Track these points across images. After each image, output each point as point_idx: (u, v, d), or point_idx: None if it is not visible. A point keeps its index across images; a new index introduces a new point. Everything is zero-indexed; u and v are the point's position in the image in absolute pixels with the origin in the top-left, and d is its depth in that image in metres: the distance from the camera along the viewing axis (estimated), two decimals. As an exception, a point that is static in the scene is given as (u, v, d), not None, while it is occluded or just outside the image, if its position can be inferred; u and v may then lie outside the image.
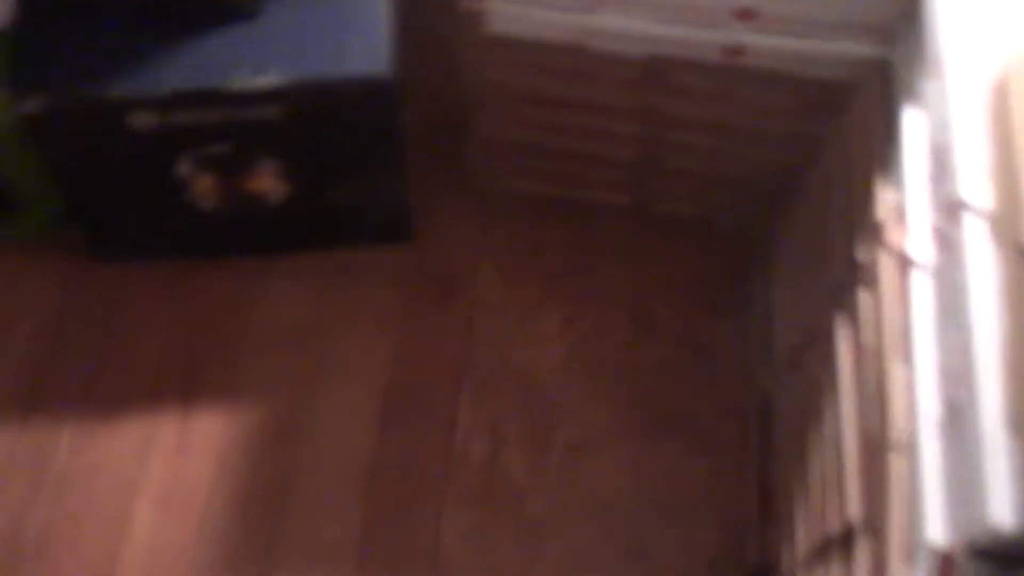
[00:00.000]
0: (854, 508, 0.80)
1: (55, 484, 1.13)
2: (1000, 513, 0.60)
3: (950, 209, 0.73)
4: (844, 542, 0.81)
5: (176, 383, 1.18)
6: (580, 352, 1.19)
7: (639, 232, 1.26)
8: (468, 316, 1.22)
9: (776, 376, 1.10)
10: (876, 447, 0.77)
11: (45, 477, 1.13)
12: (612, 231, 1.26)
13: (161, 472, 1.13)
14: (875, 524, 0.75)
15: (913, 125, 0.83)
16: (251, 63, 0.99)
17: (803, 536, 0.92)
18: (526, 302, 1.22)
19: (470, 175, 1.25)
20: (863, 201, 0.90)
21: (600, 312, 1.21)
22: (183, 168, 1.09)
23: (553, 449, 1.14)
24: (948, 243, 0.74)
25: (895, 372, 0.77)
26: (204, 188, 1.12)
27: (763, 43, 0.95)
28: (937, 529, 0.67)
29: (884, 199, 0.84)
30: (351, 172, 1.13)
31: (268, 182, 1.13)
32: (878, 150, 0.87)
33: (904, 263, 0.79)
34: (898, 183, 0.83)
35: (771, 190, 1.15)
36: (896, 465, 0.74)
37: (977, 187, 0.71)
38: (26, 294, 1.23)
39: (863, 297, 0.85)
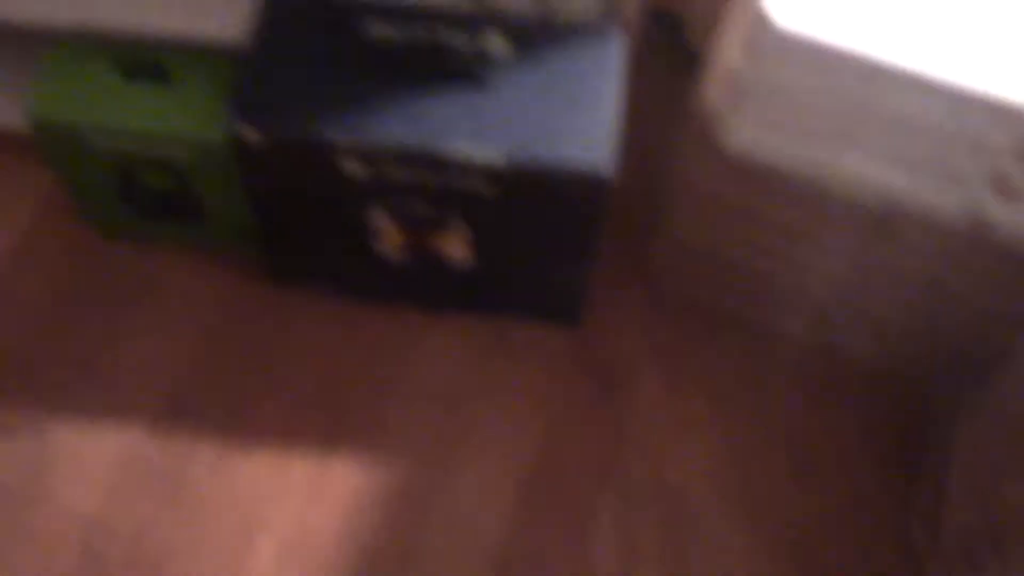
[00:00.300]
0: None
1: (186, 502, 1.12)
2: None
3: None
4: None
5: (320, 423, 1.17)
6: (734, 480, 1.14)
7: (814, 368, 1.20)
8: (623, 418, 1.18)
9: (943, 566, 1.03)
10: None
11: (180, 493, 1.12)
12: (786, 361, 1.21)
13: (290, 514, 1.12)
14: None
15: None
16: (473, 133, 0.97)
17: None
18: (686, 415, 1.18)
19: (651, 275, 1.22)
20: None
21: (762, 442, 1.16)
22: (378, 218, 1.08)
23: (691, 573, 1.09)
24: None
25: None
26: (393, 240, 1.11)
27: (1014, 219, 0.89)
28: None
29: None
30: (541, 255, 1.10)
31: (456, 248, 1.11)
32: None
33: None
34: None
35: (967, 358, 1.09)
36: None
37: None
38: (192, 302, 1.23)
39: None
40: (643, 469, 1.15)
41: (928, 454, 1.13)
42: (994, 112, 0.79)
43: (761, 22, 0.82)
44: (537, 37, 1.04)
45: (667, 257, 1.18)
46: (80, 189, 1.20)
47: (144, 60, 1.10)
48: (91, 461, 1.14)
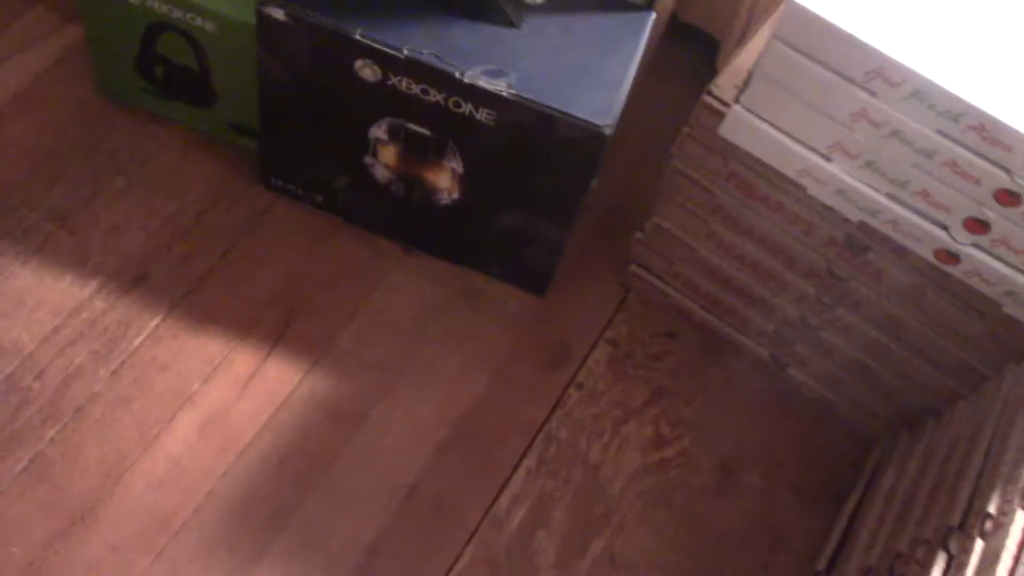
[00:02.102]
0: None
1: (121, 362, 1.12)
2: None
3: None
4: None
5: (271, 323, 1.17)
6: (655, 475, 1.15)
7: (761, 388, 1.21)
8: (565, 391, 1.18)
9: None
10: None
11: (116, 352, 1.13)
12: (736, 375, 1.22)
13: (217, 398, 1.12)
14: None
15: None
16: (493, 65, 1.00)
17: None
18: (626, 403, 1.18)
19: (626, 259, 1.23)
20: (1008, 465, 0.85)
21: (692, 448, 1.17)
22: (379, 131, 1.10)
23: (589, 553, 1.09)
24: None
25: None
26: (387, 158, 1.13)
27: (981, 260, 0.91)
28: None
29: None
30: (524, 204, 1.12)
31: (446, 180, 1.13)
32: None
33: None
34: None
35: (913, 402, 1.10)
36: None
37: None
38: (183, 181, 1.25)
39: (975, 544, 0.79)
40: (570, 441, 1.15)
41: (852, 493, 1.14)
42: (992, 138, 0.82)
43: (788, 2, 0.84)
44: (573, -3, 1.07)
45: (645, 249, 1.20)
46: (102, 46, 1.22)
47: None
48: (38, 304, 1.14)
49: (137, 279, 1.18)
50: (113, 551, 1.02)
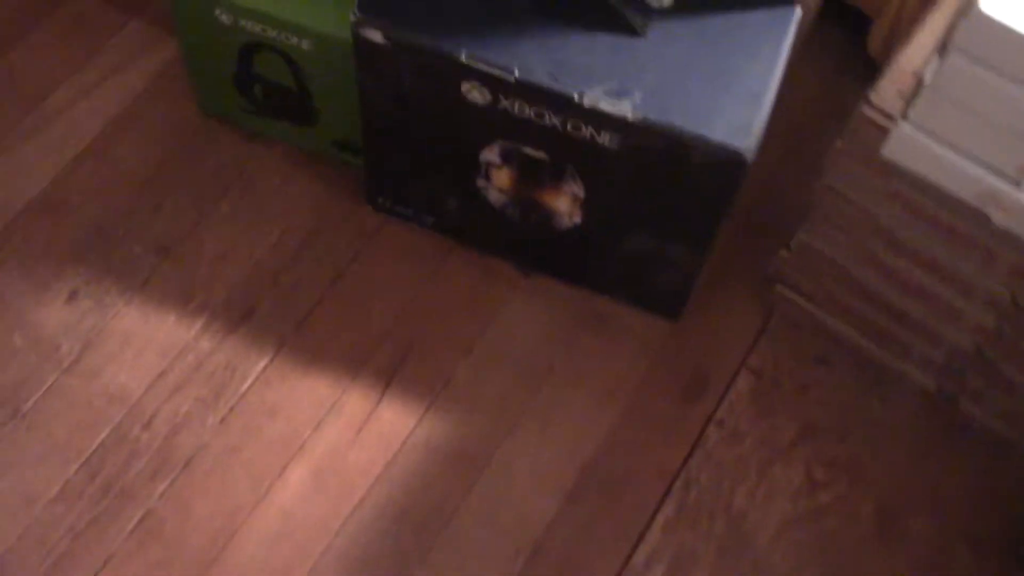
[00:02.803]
0: None
1: (230, 409, 1.06)
2: None
3: None
4: None
5: (384, 359, 1.10)
6: (809, 525, 1.03)
7: (929, 424, 1.08)
8: (703, 429, 1.08)
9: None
10: None
11: (223, 398, 1.07)
12: (899, 408, 1.08)
13: (330, 445, 1.05)
14: None
15: None
16: (614, 83, 0.88)
17: None
18: (773, 441, 1.07)
19: (769, 279, 1.11)
20: None
21: (849, 492, 1.04)
22: (491, 154, 1.00)
23: (735, 615, 0.99)
24: None
25: None
26: (501, 182, 1.03)
27: None
28: None
29: None
30: (655, 231, 1.01)
31: (565, 204, 1.02)
32: None
33: None
34: None
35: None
36: None
37: None
38: (288, 203, 1.18)
39: None
40: (712, 487, 1.04)
41: (1037, 548, 1.00)
42: None
43: (974, 11, 0.70)
44: (706, -5, 0.94)
45: (791, 267, 1.07)
46: (198, 65, 1.16)
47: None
48: (145, 345, 1.09)
49: (244, 314, 1.12)
50: (227, 617, 0.97)
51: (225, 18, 1.05)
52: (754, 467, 1.06)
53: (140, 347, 1.09)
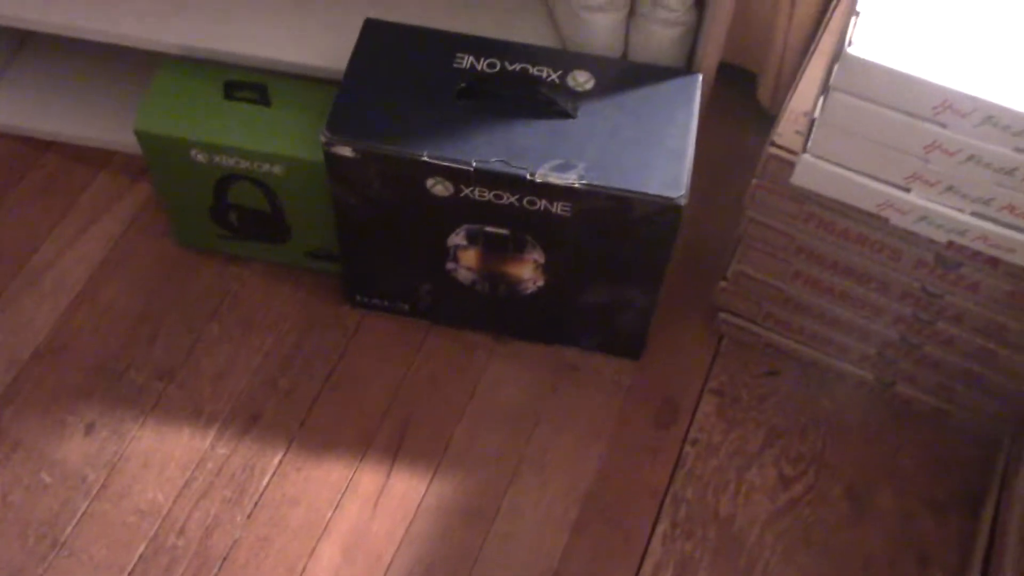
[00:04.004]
0: None
1: (254, 504, 1.16)
2: None
3: None
4: None
5: (387, 437, 1.20)
6: (789, 516, 1.16)
7: (875, 410, 1.22)
8: (681, 449, 1.20)
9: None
10: None
11: (247, 496, 1.16)
12: (846, 402, 1.23)
13: (353, 521, 1.15)
14: None
15: None
16: (559, 160, 1.03)
17: None
18: (744, 450, 1.20)
19: (714, 308, 1.25)
20: None
21: (818, 481, 1.18)
22: (457, 238, 1.13)
23: (741, 607, 1.11)
24: None
25: None
26: (468, 261, 1.16)
27: (1076, 260, 0.92)
28: None
29: None
30: (610, 281, 1.15)
31: (528, 271, 1.16)
32: None
33: None
34: None
35: (1030, 405, 1.11)
36: None
37: None
38: (273, 315, 1.29)
39: None
40: (697, 500, 1.17)
41: (987, 499, 1.14)
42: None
43: (845, 55, 0.86)
44: (621, 76, 1.09)
45: (731, 295, 1.22)
46: (175, 203, 1.27)
47: (247, 82, 1.17)
48: (165, 461, 1.18)
49: (251, 420, 1.22)
50: None
51: (201, 157, 1.17)
52: (732, 475, 1.18)
53: (161, 464, 1.18)
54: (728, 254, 1.20)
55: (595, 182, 1.02)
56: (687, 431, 1.22)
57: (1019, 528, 1.05)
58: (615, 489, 1.18)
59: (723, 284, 1.21)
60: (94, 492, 1.16)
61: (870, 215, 1.00)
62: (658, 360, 1.26)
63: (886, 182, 0.96)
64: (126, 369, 1.25)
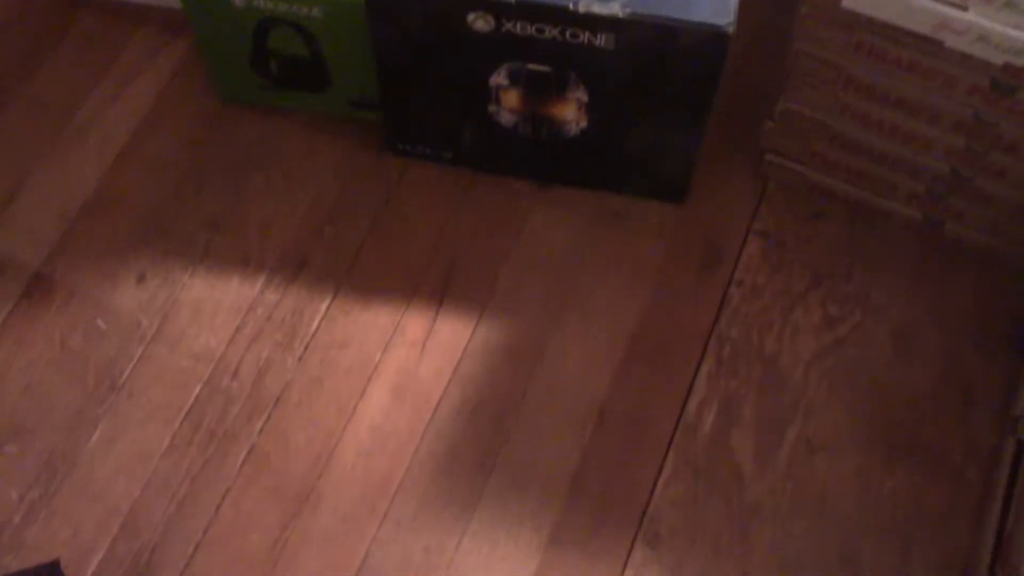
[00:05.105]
0: None
1: (305, 347, 1.18)
2: None
3: None
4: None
5: (433, 283, 1.22)
6: (834, 355, 1.16)
7: (922, 250, 1.21)
8: (726, 290, 1.20)
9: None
10: None
11: (297, 339, 1.19)
12: (893, 243, 1.22)
13: (401, 363, 1.17)
14: None
15: None
16: (601, -12, 1.00)
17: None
18: (789, 291, 1.20)
19: (760, 149, 1.23)
20: None
21: (863, 321, 1.18)
22: (499, 78, 1.12)
23: (784, 441, 1.12)
24: None
25: None
26: (511, 102, 1.15)
27: None
28: None
29: None
30: (655, 120, 1.13)
31: (571, 112, 1.14)
32: None
33: None
34: None
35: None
36: None
37: None
38: (317, 165, 1.29)
39: None
40: (742, 338, 1.17)
41: (1034, 335, 1.13)
42: None
43: None
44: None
45: (777, 135, 1.20)
46: (215, 53, 1.27)
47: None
48: (216, 308, 1.21)
49: (298, 267, 1.23)
50: (343, 521, 1.09)
51: (239, 1, 1.16)
52: (777, 315, 1.18)
53: (212, 310, 1.21)
54: (776, 94, 1.17)
55: (638, 11, 1.00)
56: (732, 273, 1.21)
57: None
58: (660, 330, 1.19)
59: (770, 124, 1.19)
60: (149, 337, 1.19)
61: (924, 39, 0.97)
62: (703, 204, 1.25)
63: (942, 0, 0.92)
64: (174, 220, 1.27)
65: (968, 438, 1.11)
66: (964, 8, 0.92)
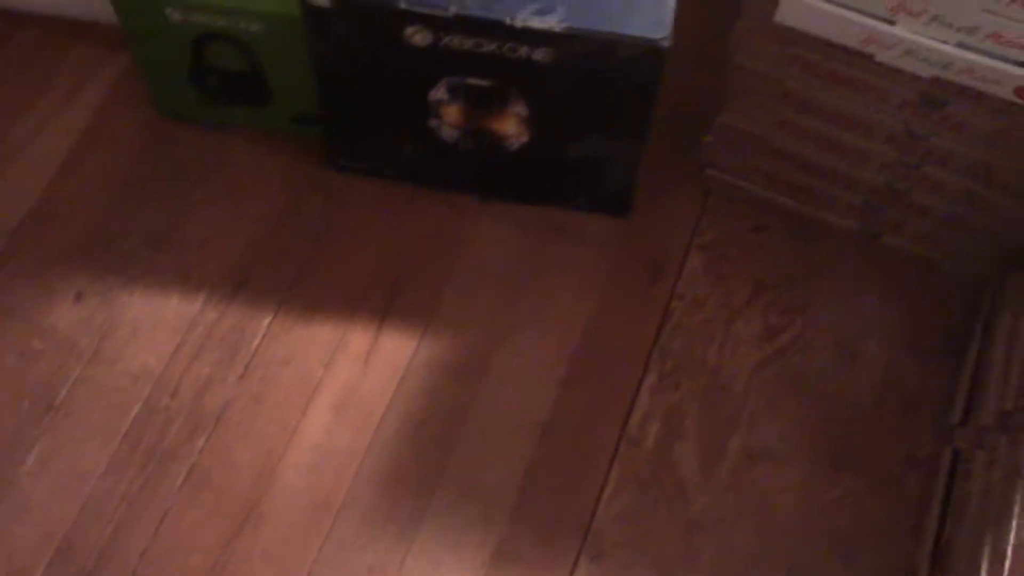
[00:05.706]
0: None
1: (246, 365, 1.17)
2: None
3: None
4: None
5: (376, 299, 1.21)
6: (775, 365, 1.17)
7: (859, 260, 1.22)
8: (668, 304, 1.21)
9: (976, 437, 1.05)
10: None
11: (238, 356, 1.17)
12: (831, 253, 1.23)
13: (343, 380, 1.16)
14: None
15: None
16: (539, 4, 1.01)
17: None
18: (730, 303, 1.20)
19: (701, 164, 1.24)
20: None
21: (804, 331, 1.19)
22: (439, 92, 1.11)
23: (728, 453, 1.12)
24: None
25: None
26: (451, 117, 1.15)
27: (1062, 90, 0.91)
28: None
29: None
30: (594, 132, 1.14)
31: (512, 126, 1.14)
32: None
33: None
34: None
35: (1018, 242, 1.10)
36: None
37: None
38: (259, 181, 1.28)
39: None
40: (684, 351, 1.18)
41: (970, 344, 1.15)
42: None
43: None
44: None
45: (716, 150, 1.21)
46: (154, 69, 1.26)
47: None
48: (155, 326, 1.19)
49: (240, 283, 1.22)
50: (285, 540, 1.08)
51: (176, 16, 1.15)
52: (718, 327, 1.19)
53: (151, 329, 1.19)
54: (714, 109, 1.18)
55: (576, 25, 1.00)
56: (674, 287, 1.22)
57: (1001, 367, 1.06)
58: (603, 345, 1.19)
59: (708, 138, 1.20)
60: (86, 357, 1.17)
61: (855, 53, 0.98)
62: (645, 218, 1.26)
63: (871, 15, 0.94)
64: (113, 237, 1.25)
65: (907, 447, 1.13)
66: (892, 22, 0.94)
